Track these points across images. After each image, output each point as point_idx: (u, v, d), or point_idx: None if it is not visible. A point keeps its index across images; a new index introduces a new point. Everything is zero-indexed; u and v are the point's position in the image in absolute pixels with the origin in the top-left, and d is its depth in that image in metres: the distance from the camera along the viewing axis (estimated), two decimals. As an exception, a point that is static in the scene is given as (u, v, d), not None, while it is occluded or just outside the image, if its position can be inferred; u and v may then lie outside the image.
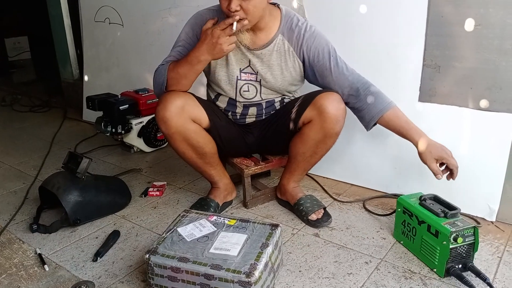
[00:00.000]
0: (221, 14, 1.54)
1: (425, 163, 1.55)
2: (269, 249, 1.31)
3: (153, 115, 2.47)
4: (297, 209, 1.77)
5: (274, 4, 1.64)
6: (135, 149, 2.58)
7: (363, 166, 2.00)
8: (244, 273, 1.21)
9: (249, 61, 1.66)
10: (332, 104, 1.58)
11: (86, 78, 3.23)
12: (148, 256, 1.30)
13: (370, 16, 1.84)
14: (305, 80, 1.75)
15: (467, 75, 1.66)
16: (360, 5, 1.85)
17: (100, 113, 2.48)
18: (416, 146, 1.56)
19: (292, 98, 1.79)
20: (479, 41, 1.61)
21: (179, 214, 1.53)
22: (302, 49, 1.63)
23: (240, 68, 1.67)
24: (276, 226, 1.42)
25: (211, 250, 1.32)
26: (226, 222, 1.46)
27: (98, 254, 1.56)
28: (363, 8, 1.85)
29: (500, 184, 1.65)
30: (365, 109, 1.62)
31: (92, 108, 2.49)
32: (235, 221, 1.46)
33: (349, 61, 1.92)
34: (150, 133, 2.52)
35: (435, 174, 1.53)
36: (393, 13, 1.78)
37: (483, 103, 1.64)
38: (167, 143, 2.58)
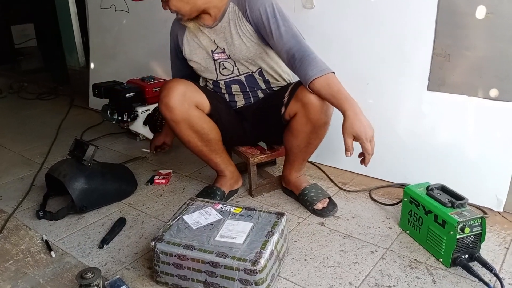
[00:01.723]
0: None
1: (343, 135, 1.42)
2: (274, 238, 1.31)
3: (159, 103, 2.47)
4: (302, 199, 1.76)
5: None
6: (141, 137, 2.58)
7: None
8: (249, 261, 1.21)
9: (214, 41, 1.69)
10: (314, 94, 1.52)
11: (92, 65, 3.22)
12: (154, 243, 1.31)
13: (380, 3, 1.80)
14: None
15: (477, 64, 1.64)
16: (369, -8, 1.82)
17: (106, 101, 2.48)
18: (344, 115, 1.42)
19: (273, 71, 1.75)
20: (490, 30, 1.58)
21: (185, 202, 1.53)
22: (247, 12, 1.61)
23: (212, 50, 1.71)
24: (282, 214, 1.42)
25: (217, 238, 1.32)
26: (232, 210, 1.45)
27: (104, 241, 1.56)
28: (372, -5, 1.82)
29: (508, 174, 1.63)
30: (300, 75, 1.53)
31: (98, 95, 2.49)
32: (241, 209, 1.46)
33: (359, 49, 1.91)
34: (156, 121, 2.51)
35: (345, 150, 1.42)
36: (403, 1, 1.75)
37: (493, 92, 1.62)
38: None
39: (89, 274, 1.23)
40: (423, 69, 1.76)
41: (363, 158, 1.44)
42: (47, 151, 2.45)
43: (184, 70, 1.87)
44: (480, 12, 1.58)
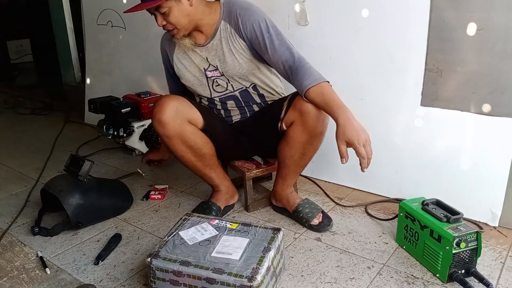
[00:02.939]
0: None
1: (336, 142, 1.42)
2: (271, 253, 1.31)
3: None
4: (297, 216, 1.75)
5: None
6: (136, 152, 2.58)
7: (365, 170, 1.99)
8: (246, 277, 1.21)
9: (207, 59, 1.70)
10: (312, 104, 1.54)
11: (88, 81, 3.23)
12: (150, 259, 1.30)
13: (372, 20, 1.83)
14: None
15: (469, 79, 1.66)
16: (362, 9, 1.85)
17: (102, 116, 2.48)
18: (336, 122, 1.43)
19: (266, 86, 1.77)
20: (482, 45, 1.60)
21: (181, 218, 1.53)
22: (240, 28, 1.62)
23: (204, 68, 1.73)
24: (278, 230, 1.42)
25: (213, 254, 1.31)
26: (228, 225, 1.45)
27: (100, 257, 1.55)
28: (365, 12, 1.85)
29: (503, 188, 1.64)
30: (296, 86, 1.55)
31: (94, 111, 2.50)
32: (237, 224, 1.46)
33: (351, 64, 1.93)
34: (151, 136, 2.51)
35: (340, 157, 1.41)
36: (395, 17, 1.78)
37: (486, 107, 1.64)
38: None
39: (84, 291, 1.23)
40: (416, 84, 1.78)
41: (360, 163, 1.42)
42: (42, 166, 2.44)
43: (181, 85, 1.87)
44: (471, 28, 1.61)
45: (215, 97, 1.78)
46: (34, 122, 3.41)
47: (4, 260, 1.58)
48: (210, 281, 1.24)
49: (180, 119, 1.64)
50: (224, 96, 1.77)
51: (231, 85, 1.74)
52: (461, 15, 1.62)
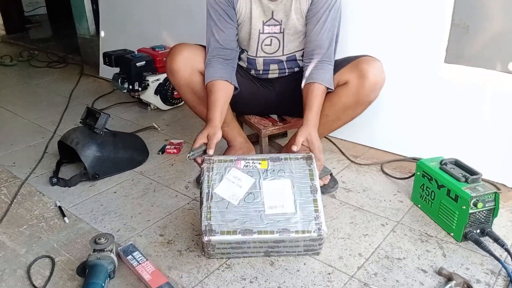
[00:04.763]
0: None
1: (295, 135, 1.43)
2: (319, 193, 1.28)
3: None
4: None
5: None
6: (152, 106, 2.57)
7: (382, 129, 1.96)
8: (314, 231, 1.22)
9: (272, 13, 1.58)
10: (375, 70, 1.50)
11: (102, 34, 3.19)
12: (209, 238, 1.21)
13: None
14: None
15: (496, 37, 1.59)
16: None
17: (117, 70, 2.46)
18: (304, 123, 1.45)
19: None
20: (510, 2, 1.52)
21: (202, 167, 1.35)
22: None
23: (263, 21, 1.60)
24: (310, 158, 1.35)
25: (267, 212, 1.24)
26: (258, 166, 1.34)
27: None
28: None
29: (524, 150, 1.61)
30: (310, 72, 1.53)
31: (109, 64, 2.48)
32: (266, 162, 1.35)
33: (373, 18, 1.86)
34: (167, 91, 2.50)
35: (293, 145, 1.40)
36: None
37: (512, 66, 1.58)
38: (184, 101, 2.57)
39: (102, 240, 1.25)
40: (440, 40, 1.71)
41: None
42: (58, 119, 2.46)
43: (230, 34, 1.62)
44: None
45: (260, 56, 1.67)
46: (49, 75, 3.40)
47: (23, 209, 1.62)
48: (277, 241, 1.23)
49: (191, 69, 1.61)
50: (270, 58, 1.68)
51: (283, 48, 1.64)
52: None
